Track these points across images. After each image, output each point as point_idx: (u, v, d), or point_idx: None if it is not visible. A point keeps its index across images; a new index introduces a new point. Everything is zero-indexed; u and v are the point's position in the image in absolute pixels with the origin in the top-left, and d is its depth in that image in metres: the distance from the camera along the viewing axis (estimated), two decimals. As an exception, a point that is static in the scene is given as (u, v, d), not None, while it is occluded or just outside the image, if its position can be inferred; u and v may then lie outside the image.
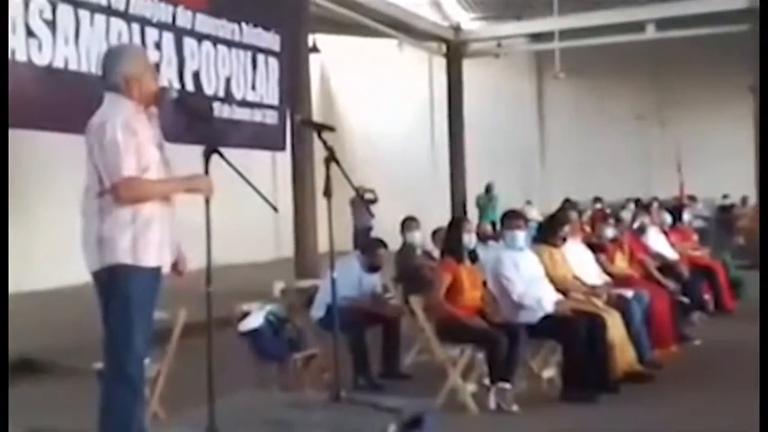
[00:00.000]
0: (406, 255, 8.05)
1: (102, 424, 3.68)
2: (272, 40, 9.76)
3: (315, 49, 16.63)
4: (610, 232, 8.05)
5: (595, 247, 7.59)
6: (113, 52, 4.08)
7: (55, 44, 6.85)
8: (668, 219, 9.98)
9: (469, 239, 6.12)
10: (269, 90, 9.73)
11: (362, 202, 15.64)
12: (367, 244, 7.29)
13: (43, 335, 8.41)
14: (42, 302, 11.32)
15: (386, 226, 19.38)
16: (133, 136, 3.65)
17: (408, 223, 8.13)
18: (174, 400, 5.08)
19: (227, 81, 9.03)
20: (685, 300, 8.20)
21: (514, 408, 5.60)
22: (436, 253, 7.25)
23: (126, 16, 7.54)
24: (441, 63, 19.01)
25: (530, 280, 6.12)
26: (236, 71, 9.14)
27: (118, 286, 3.66)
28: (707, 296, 9.31)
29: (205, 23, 8.61)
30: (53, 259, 12.61)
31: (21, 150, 10.32)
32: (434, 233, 8.05)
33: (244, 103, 9.31)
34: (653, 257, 8.56)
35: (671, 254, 9.12)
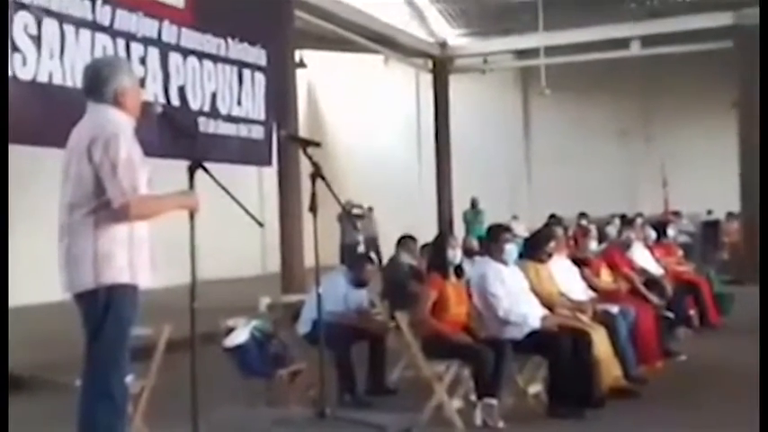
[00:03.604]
0: (393, 270, 8.05)
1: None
2: (258, 54, 9.75)
3: (301, 65, 16.67)
4: (593, 246, 8.06)
5: (580, 261, 7.60)
6: (105, 64, 3.99)
7: (40, 59, 6.81)
8: (653, 234, 10.01)
9: (454, 255, 6.12)
10: (255, 105, 9.71)
11: (349, 218, 15.68)
12: (354, 259, 7.28)
13: (25, 350, 8.33)
14: (25, 318, 11.22)
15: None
16: (138, 153, 3.65)
17: (405, 242, 8.16)
18: (158, 416, 5.05)
19: (213, 96, 9.00)
20: (670, 315, 8.21)
21: (500, 424, 5.58)
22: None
23: (111, 31, 7.51)
24: (427, 79, 19.07)
25: (515, 296, 6.12)
26: (221, 86, 9.11)
27: (116, 308, 3.60)
28: (692, 311, 9.33)
29: (190, 38, 8.59)
30: (35, 274, 12.51)
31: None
32: (423, 248, 8.06)
33: (229, 119, 9.28)
34: (638, 273, 8.58)
35: (656, 269, 9.14)
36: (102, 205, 3.57)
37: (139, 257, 3.69)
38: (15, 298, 12.24)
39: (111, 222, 3.58)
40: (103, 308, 3.59)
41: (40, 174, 9.64)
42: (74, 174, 3.63)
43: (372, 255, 8.91)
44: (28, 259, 12.73)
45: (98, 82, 3.74)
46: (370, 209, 20.07)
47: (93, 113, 3.73)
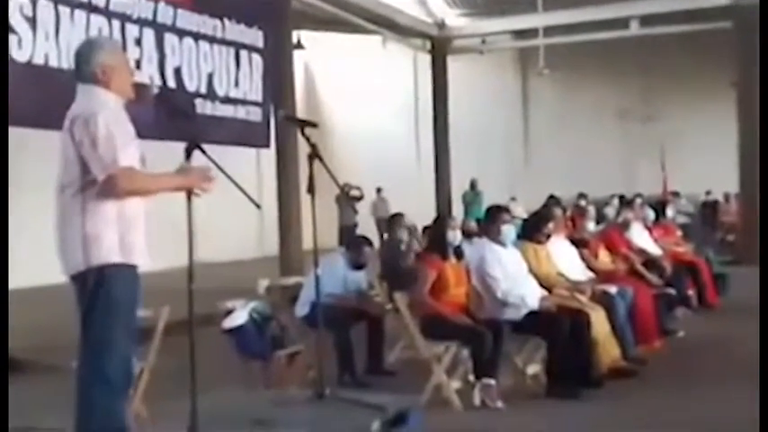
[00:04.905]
0: (391, 251, 8.05)
1: (80, 426, 3.61)
2: (255, 36, 9.70)
3: (299, 46, 16.59)
4: (591, 226, 8.06)
5: (578, 242, 7.59)
6: (88, 44, 3.95)
7: (35, 40, 6.78)
8: (651, 215, 9.99)
9: (454, 236, 6.11)
10: (252, 86, 9.67)
11: (348, 200, 15.68)
12: (352, 241, 7.28)
13: (24, 333, 8.33)
14: (24, 301, 11.22)
15: (371, 223, 19.32)
16: (124, 129, 3.61)
17: (396, 219, 8.14)
18: (157, 398, 5.05)
19: (210, 77, 8.96)
20: (672, 291, 8.21)
21: (499, 404, 5.59)
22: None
23: (106, 12, 7.47)
24: (425, 59, 19.00)
25: (514, 277, 6.12)
26: (218, 67, 9.07)
27: (106, 288, 3.56)
28: (690, 292, 9.33)
29: (186, 19, 8.54)
30: (36, 257, 12.50)
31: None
32: (425, 230, 8.06)
33: (227, 100, 9.25)
34: (636, 253, 8.58)
35: (654, 250, 9.14)
36: (89, 184, 3.52)
37: (133, 236, 3.64)
38: (14, 280, 12.30)
39: (98, 201, 3.53)
40: (94, 289, 3.56)
41: (43, 156, 9.61)
42: (63, 155, 3.60)
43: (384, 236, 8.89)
44: (30, 241, 12.75)
45: (80, 62, 3.72)
46: (379, 189, 20.03)
47: (79, 94, 3.70)
